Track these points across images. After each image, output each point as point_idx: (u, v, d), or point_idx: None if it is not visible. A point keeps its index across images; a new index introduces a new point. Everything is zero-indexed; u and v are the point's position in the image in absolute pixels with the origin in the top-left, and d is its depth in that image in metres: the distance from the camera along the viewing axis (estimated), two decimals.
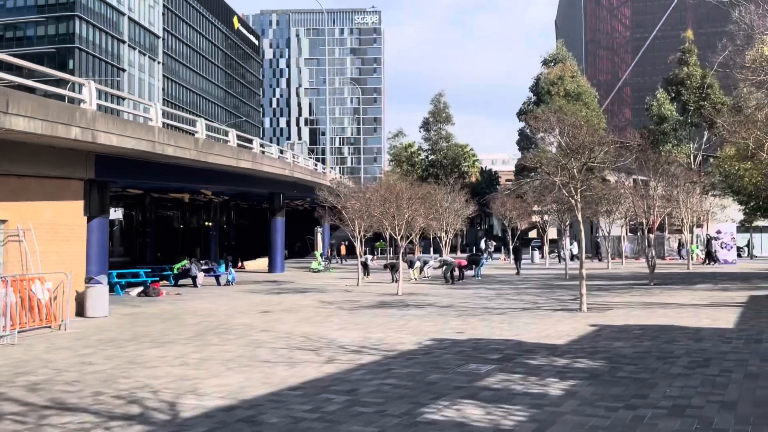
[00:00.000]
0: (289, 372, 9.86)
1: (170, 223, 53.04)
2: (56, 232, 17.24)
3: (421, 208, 26.27)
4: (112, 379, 9.54)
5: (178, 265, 31.16)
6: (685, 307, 17.63)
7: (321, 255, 45.34)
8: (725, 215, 43.89)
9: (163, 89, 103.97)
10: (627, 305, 18.40)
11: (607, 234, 42.61)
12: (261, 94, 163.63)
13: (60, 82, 25.74)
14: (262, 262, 44.40)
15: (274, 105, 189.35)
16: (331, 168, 56.20)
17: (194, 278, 29.94)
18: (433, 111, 65.42)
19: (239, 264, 45.75)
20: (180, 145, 20.72)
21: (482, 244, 55.51)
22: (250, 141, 30.18)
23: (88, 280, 18.21)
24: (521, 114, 61.67)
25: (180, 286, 29.96)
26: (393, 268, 28.84)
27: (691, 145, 55.53)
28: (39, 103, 14.19)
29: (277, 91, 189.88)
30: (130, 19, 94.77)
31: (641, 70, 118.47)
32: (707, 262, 40.43)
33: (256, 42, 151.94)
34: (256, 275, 37.17)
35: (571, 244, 51.59)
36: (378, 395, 8.21)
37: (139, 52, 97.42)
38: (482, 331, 13.93)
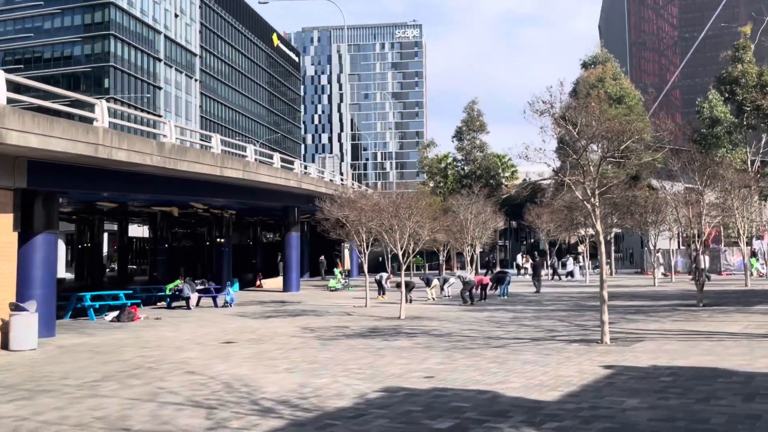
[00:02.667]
0: None
1: (185, 240, 51.02)
2: None
3: (425, 219, 22.96)
4: None
5: (170, 286, 28.63)
6: (737, 338, 13.90)
7: (340, 273, 42.49)
8: None
9: (201, 107, 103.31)
10: (663, 335, 14.75)
11: (652, 247, 38.48)
12: (303, 110, 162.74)
13: None
14: (279, 281, 41.81)
15: (316, 121, 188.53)
16: (352, 183, 53.20)
17: (186, 299, 27.37)
18: (467, 119, 61.62)
19: (257, 282, 43.21)
20: (136, 149, 17.96)
21: (518, 259, 51.50)
22: (244, 149, 27.39)
23: (14, 307, 15.53)
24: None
25: (174, 308, 27.43)
26: (399, 286, 25.55)
27: (748, 150, 50.39)
28: None
29: (319, 107, 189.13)
30: (166, 37, 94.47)
31: (691, 72, 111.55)
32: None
33: (297, 59, 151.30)
34: (267, 294, 34.52)
35: (566, 259, 47.11)
36: None
37: (176, 70, 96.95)
38: (459, 376, 10.60)
